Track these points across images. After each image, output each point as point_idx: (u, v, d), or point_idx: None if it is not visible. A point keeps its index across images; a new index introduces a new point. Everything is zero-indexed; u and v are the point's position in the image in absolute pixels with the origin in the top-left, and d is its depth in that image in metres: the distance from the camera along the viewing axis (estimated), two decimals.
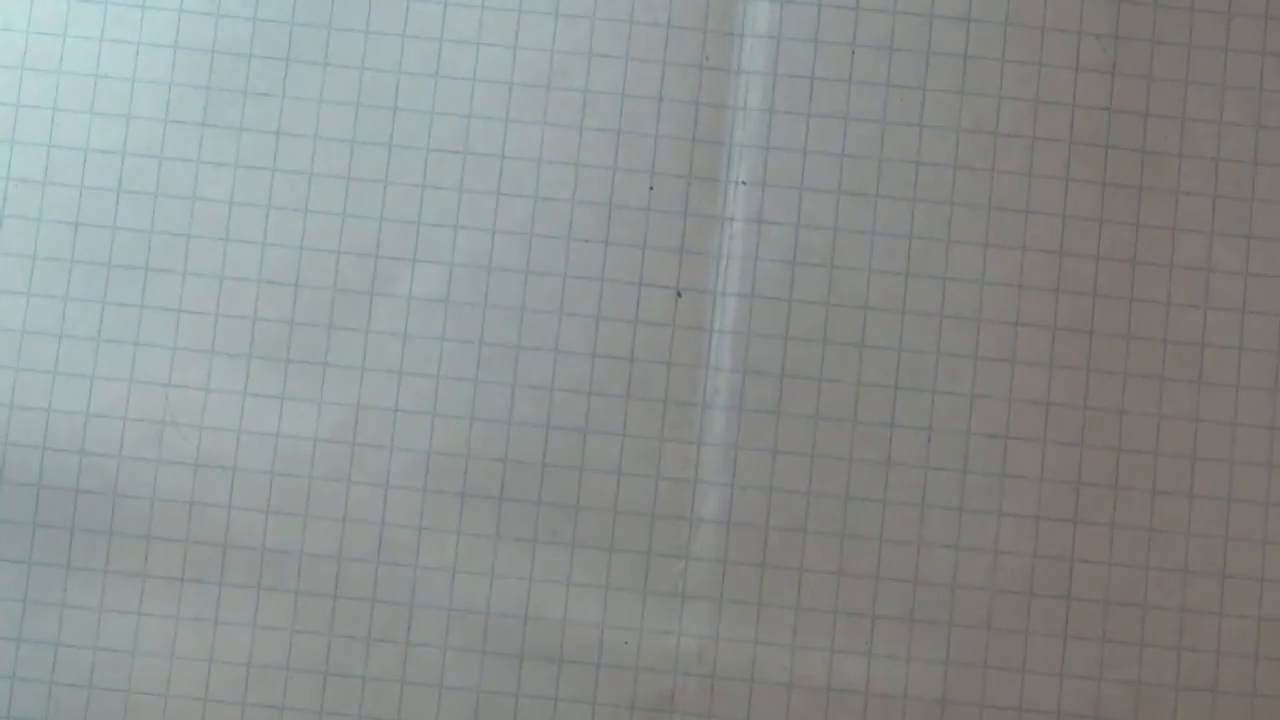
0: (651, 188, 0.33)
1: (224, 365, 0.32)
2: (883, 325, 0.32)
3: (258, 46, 0.33)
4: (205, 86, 0.33)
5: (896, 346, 0.32)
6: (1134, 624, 0.32)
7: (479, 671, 0.32)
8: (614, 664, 0.32)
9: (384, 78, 0.33)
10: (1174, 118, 0.33)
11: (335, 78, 0.33)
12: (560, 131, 0.33)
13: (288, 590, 0.32)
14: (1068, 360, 0.32)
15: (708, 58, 0.33)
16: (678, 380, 0.32)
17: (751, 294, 0.32)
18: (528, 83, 0.33)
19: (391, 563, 0.32)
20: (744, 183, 0.33)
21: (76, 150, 0.33)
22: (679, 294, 0.32)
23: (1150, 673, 0.32)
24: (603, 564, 0.32)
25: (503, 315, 0.32)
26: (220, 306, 0.32)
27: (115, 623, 0.32)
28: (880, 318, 0.32)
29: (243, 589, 0.32)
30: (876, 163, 0.32)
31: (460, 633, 0.32)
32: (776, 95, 0.33)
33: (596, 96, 0.33)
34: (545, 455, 0.32)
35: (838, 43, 0.33)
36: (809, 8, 0.33)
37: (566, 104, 0.33)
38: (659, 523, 0.32)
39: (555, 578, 0.32)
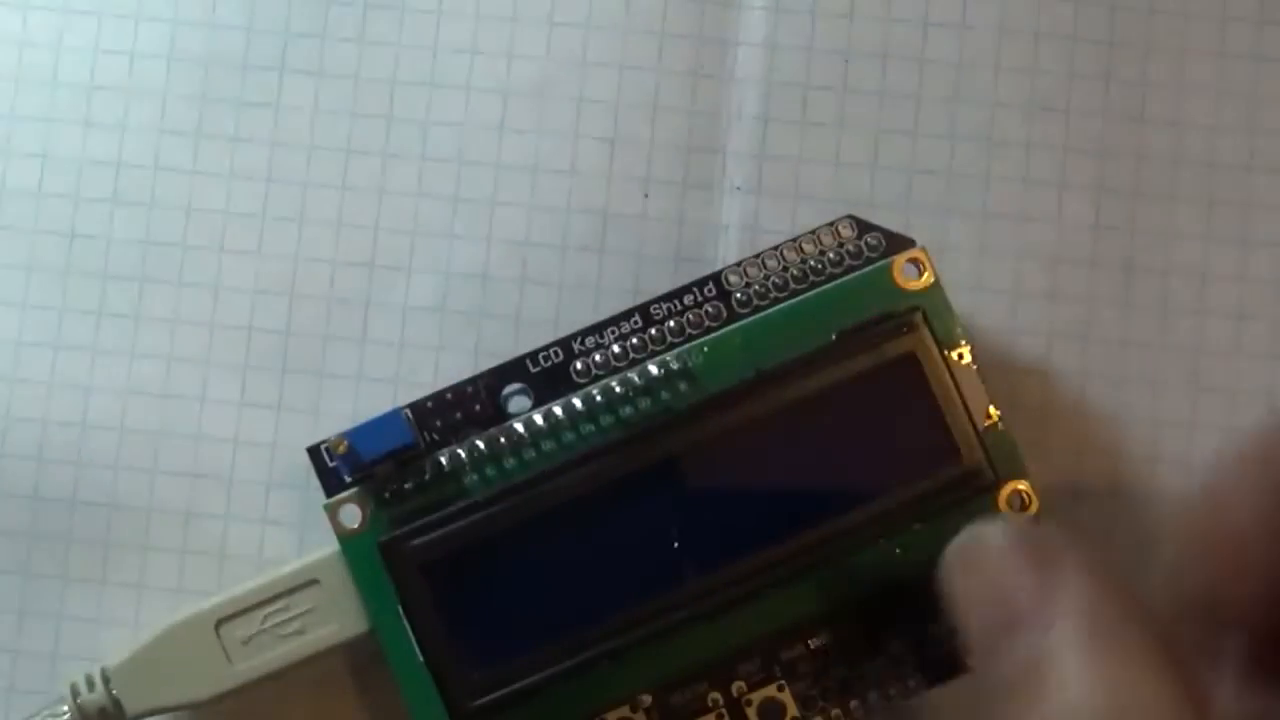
0: (646, 195, 0.33)
1: (220, 376, 0.32)
2: None
3: (252, 57, 0.33)
4: (200, 97, 0.33)
5: None
6: None
7: None
8: None
9: (378, 87, 0.33)
10: (1169, 123, 0.33)
11: (330, 87, 0.33)
12: (555, 139, 0.33)
13: None
14: (1064, 366, 0.32)
15: (702, 66, 0.33)
16: None
17: None
18: (522, 91, 0.33)
19: None
20: (739, 189, 0.33)
21: (71, 161, 0.33)
22: None
23: None
24: None
25: (498, 324, 0.32)
26: (215, 317, 0.32)
27: (112, 634, 0.32)
28: None
29: None
30: (871, 170, 0.32)
31: None
32: (771, 103, 0.33)
33: (591, 105, 0.33)
34: None
35: (832, 50, 0.33)
36: (803, 16, 0.33)
37: (561, 112, 0.33)
38: None
39: None
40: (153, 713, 0.30)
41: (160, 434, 0.32)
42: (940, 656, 0.29)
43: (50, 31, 0.33)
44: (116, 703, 0.29)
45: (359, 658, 0.31)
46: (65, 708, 0.29)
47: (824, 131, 0.33)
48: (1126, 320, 0.32)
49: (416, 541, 0.28)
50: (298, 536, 0.32)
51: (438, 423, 0.29)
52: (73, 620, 0.32)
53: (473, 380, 0.30)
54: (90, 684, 0.29)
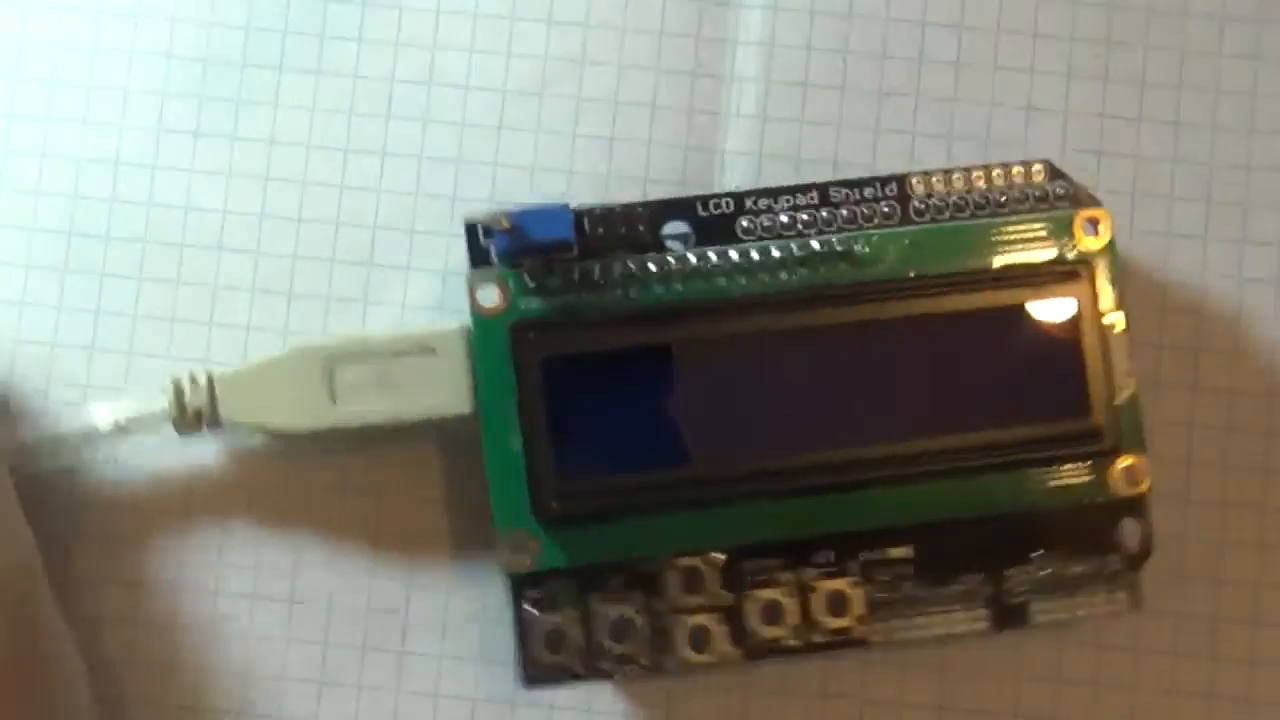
0: (645, 194, 0.33)
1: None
2: None
3: (250, 55, 0.33)
4: (198, 95, 0.33)
5: None
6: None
7: (474, 680, 0.32)
8: None
9: (377, 85, 0.33)
10: (1168, 123, 0.33)
11: (328, 86, 0.33)
12: (553, 138, 0.33)
13: (281, 600, 0.32)
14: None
15: (700, 64, 0.33)
16: None
17: None
18: (520, 90, 0.33)
19: (385, 576, 0.32)
20: (738, 188, 0.32)
21: (69, 160, 0.33)
22: None
23: None
24: None
25: None
26: (214, 315, 0.32)
27: (112, 632, 0.32)
28: None
29: (237, 598, 0.32)
30: (869, 171, 0.32)
31: (455, 641, 0.32)
32: (769, 102, 0.33)
33: (589, 104, 0.33)
34: None
35: (830, 49, 0.33)
36: (801, 15, 0.33)
37: (559, 111, 0.33)
38: None
39: None
40: (244, 428, 0.30)
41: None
42: (1011, 604, 0.30)
43: (48, 30, 0.33)
44: (214, 408, 0.30)
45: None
46: (166, 401, 0.30)
47: (822, 131, 0.33)
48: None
49: (549, 334, 0.29)
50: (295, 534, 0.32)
51: (599, 231, 0.30)
52: (74, 619, 0.32)
53: (644, 204, 0.30)
54: (194, 383, 0.30)
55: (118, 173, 0.33)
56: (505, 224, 0.28)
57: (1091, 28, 0.33)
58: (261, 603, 0.32)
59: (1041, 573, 0.30)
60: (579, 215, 0.30)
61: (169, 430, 0.30)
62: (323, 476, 0.32)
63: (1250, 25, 0.33)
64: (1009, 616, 0.30)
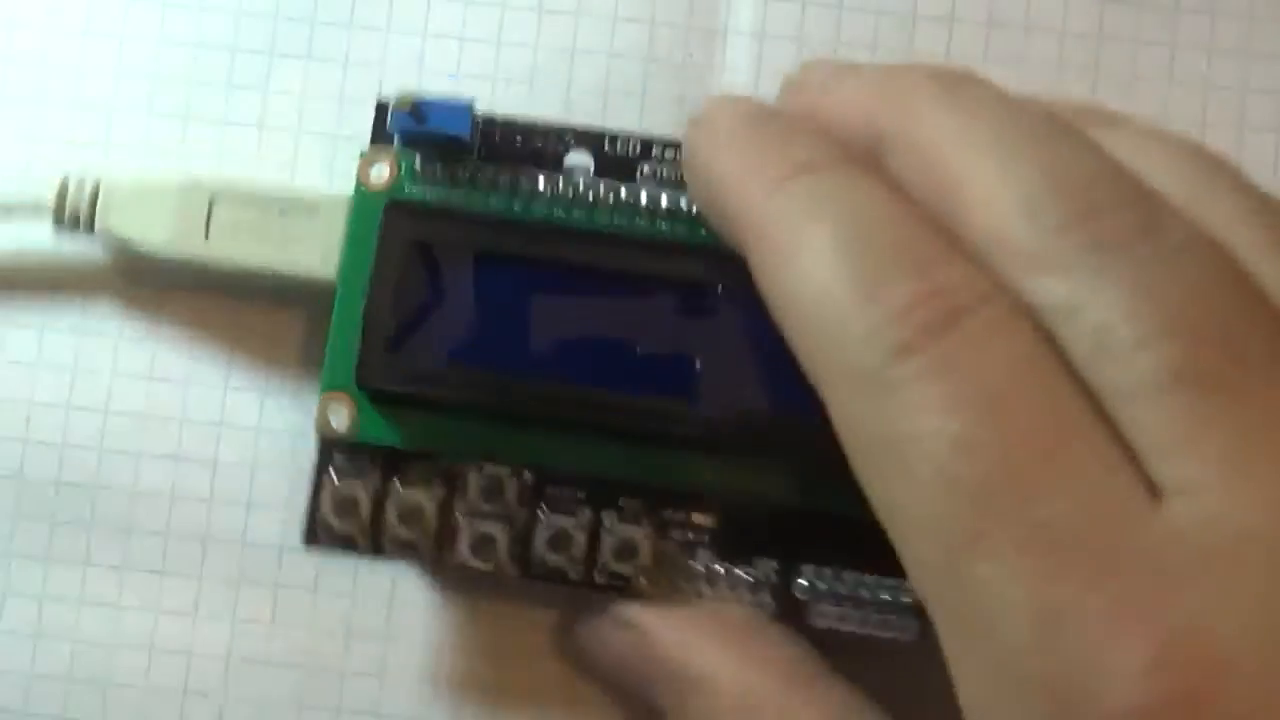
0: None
1: (206, 357, 0.32)
2: None
3: (241, 39, 0.33)
4: (187, 80, 0.33)
5: None
6: None
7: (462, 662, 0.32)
8: None
9: (368, 71, 0.33)
10: (1158, 117, 0.33)
11: (318, 72, 0.33)
12: None
13: (267, 584, 0.32)
14: None
15: (691, 54, 0.33)
16: None
17: None
18: (511, 78, 0.33)
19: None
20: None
21: (59, 143, 0.33)
22: None
23: None
24: None
25: None
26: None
27: (95, 615, 0.32)
28: None
29: (222, 582, 0.32)
30: None
31: (441, 626, 0.32)
32: (759, 92, 0.33)
33: (580, 93, 0.33)
34: None
35: (820, 41, 0.33)
36: (792, 6, 0.33)
37: (549, 100, 0.33)
38: None
39: None
40: (115, 240, 0.31)
41: (145, 416, 0.32)
42: (797, 600, 0.29)
43: (39, 13, 0.33)
44: (92, 213, 0.31)
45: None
46: (48, 195, 0.31)
47: None
48: None
49: (421, 219, 0.29)
50: (281, 519, 0.32)
51: (496, 139, 0.30)
52: (55, 601, 0.32)
53: (553, 127, 0.30)
54: (81, 188, 0.31)
55: (109, 155, 0.33)
56: (407, 105, 0.29)
57: (1082, 22, 0.33)
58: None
59: (838, 579, 0.29)
60: (487, 120, 0.30)
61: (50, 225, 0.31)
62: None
63: (1243, 21, 0.33)
64: (791, 610, 0.29)
